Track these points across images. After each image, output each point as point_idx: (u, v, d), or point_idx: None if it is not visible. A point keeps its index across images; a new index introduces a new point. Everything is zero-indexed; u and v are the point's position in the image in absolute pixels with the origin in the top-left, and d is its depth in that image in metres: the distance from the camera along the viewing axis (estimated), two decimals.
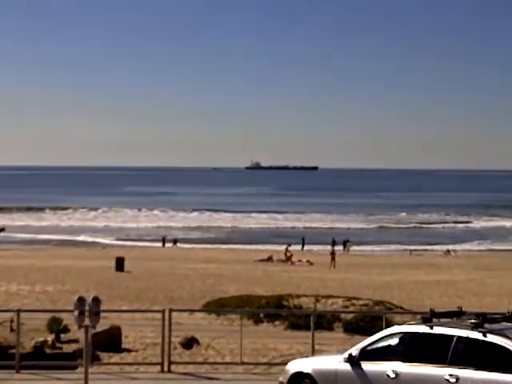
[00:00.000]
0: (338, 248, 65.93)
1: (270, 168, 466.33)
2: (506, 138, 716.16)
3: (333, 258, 53.69)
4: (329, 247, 64.06)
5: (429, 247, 77.95)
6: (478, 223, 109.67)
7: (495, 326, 11.17)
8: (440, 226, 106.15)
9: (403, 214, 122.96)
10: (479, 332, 10.82)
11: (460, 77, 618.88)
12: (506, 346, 10.52)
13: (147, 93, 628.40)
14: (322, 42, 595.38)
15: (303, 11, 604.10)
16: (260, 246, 76.98)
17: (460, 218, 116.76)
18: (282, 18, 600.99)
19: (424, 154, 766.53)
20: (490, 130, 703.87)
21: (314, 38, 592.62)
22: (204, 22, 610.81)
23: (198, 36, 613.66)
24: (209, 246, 79.23)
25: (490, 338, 10.71)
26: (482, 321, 11.11)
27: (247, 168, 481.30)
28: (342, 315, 23.44)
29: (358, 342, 12.52)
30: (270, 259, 58.71)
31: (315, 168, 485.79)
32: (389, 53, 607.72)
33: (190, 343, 19.25)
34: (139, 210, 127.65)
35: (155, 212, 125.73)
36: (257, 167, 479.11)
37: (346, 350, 12.36)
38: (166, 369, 16.75)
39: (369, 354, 11.92)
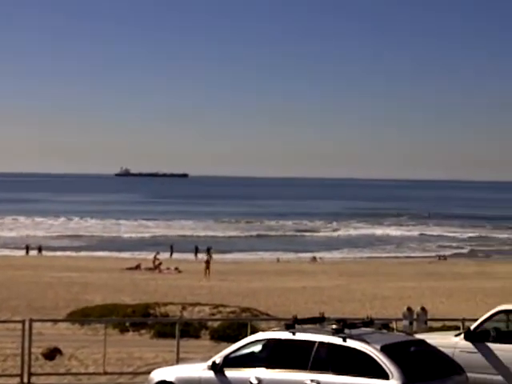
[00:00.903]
0: (202, 256, 66.39)
1: (140, 175, 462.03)
2: (388, 146, 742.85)
3: (207, 267, 53.48)
4: (193, 255, 63.93)
5: (297, 254, 79.28)
6: (347, 231, 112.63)
7: (355, 332, 11.43)
8: (309, 233, 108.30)
9: (274, 221, 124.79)
10: (339, 337, 11.04)
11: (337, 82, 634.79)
12: (365, 351, 10.78)
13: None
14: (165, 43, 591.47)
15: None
16: (129, 254, 76.02)
17: (329, 226, 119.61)
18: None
19: (297, 163, 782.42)
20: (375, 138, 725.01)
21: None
22: None
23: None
24: (75, 253, 77.48)
25: (350, 343, 10.94)
26: (343, 326, 11.34)
27: (117, 175, 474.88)
28: (209, 323, 23.45)
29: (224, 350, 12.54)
30: (137, 267, 58.07)
31: (185, 175, 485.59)
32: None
33: (52, 354, 18.73)
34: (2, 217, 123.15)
35: (20, 219, 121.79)
36: (126, 174, 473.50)
37: (211, 357, 12.33)
38: (25, 380, 16.23)
39: (233, 362, 11.93)
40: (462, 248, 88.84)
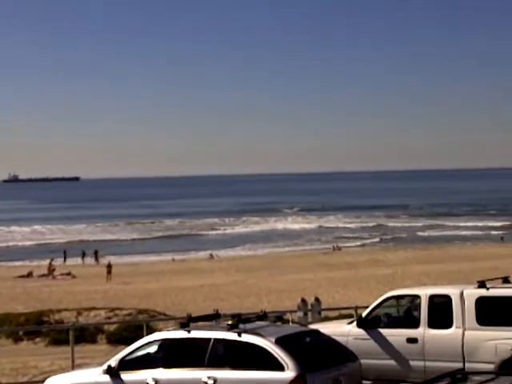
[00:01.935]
0: (90, 260, 65.91)
1: (30, 180, 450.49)
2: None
3: (109, 272, 52.43)
4: (90, 260, 62.87)
5: (195, 253, 79.07)
6: (245, 227, 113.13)
7: (249, 326, 11.51)
8: (208, 232, 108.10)
9: (171, 221, 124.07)
10: (234, 332, 11.09)
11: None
12: (260, 344, 10.86)
13: None
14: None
15: None
16: (21, 263, 73.84)
17: (228, 223, 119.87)
18: None
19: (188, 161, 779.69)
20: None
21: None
22: None
23: None
24: None
25: (245, 337, 11.01)
26: (237, 321, 11.40)
27: (5, 181, 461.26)
28: (106, 327, 23.11)
29: None
30: (29, 275, 56.56)
31: (77, 179, 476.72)
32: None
33: None
34: None
35: None
36: (15, 180, 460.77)
37: (108, 361, 12.15)
38: None
39: (129, 364, 11.79)
40: (358, 238, 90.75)
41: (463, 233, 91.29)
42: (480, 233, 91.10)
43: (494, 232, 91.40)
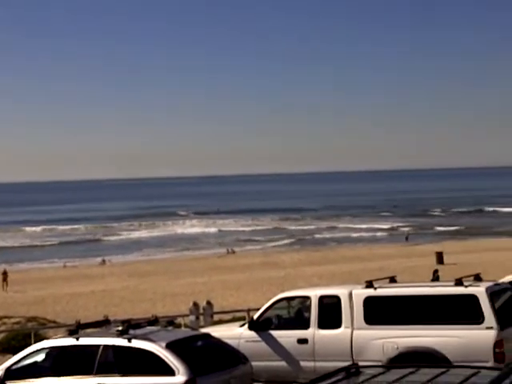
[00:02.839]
0: None
1: None
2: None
3: (4, 279, 50.64)
4: None
5: (86, 259, 77.47)
6: (141, 231, 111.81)
7: (140, 331, 11.42)
8: (101, 237, 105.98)
9: (64, 226, 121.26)
10: (124, 338, 10.97)
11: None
12: (150, 349, 10.79)
13: None
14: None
15: None
16: None
17: (123, 227, 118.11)
18: None
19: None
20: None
21: None
22: None
23: None
24: None
25: (135, 343, 10.92)
26: (127, 327, 11.28)
27: None
28: None
29: None
30: None
31: None
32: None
33: None
34: None
35: None
36: None
37: None
38: None
39: (15, 374, 11.48)
40: (254, 241, 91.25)
41: (357, 234, 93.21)
42: (371, 234, 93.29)
43: (380, 233, 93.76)
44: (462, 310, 12.51)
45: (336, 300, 13.43)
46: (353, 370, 6.95)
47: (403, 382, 6.30)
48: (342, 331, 13.24)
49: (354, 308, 13.20)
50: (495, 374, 6.35)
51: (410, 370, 6.75)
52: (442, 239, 79.79)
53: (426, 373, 6.54)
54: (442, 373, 6.54)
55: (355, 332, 13.13)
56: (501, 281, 14.57)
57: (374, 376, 6.63)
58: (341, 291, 13.57)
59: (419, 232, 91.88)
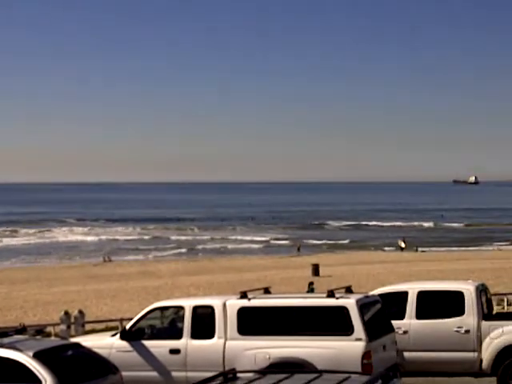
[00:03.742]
0: None
1: None
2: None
3: None
4: None
5: None
6: (19, 238, 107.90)
7: (7, 340, 11.13)
8: None
9: None
10: None
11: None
12: (17, 359, 10.49)
13: None
14: None
15: None
16: None
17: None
18: None
19: None
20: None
21: None
22: None
23: None
24: None
25: (1, 352, 10.63)
26: None
27: None
28: None
29: None
30: None
31: None
32: None
33: None
34: None
35: None
36: None
37: None
38: None
39: None
40: (133, 250, 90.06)
41: (237, 245, 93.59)
42: (250, 245, 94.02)
43: (259, 245, 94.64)
44: (333, 322, 12.79)
45: (210, 310, 13.45)
46: (230, 376, 7.12)
47: None
48: (215, 342, 13.27)
49: (228, 318, 13.26)
50: (365, 378, 6.65)
51: (285, 375, 6.98)
52: (319, 251, 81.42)
53: (301, 378, 6.79)
54: (316, 378, 6.80)
55: (228, 342, 13.18)
56: (371, 293, 14.97)
57: (251, 381, 6.83)
58: (215, 302, 13.60)
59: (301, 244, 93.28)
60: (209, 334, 13.34)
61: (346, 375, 6.90)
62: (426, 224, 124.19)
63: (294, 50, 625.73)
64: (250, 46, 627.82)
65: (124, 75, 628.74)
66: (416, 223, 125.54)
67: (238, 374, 7.23)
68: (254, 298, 13.46)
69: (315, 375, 6.93)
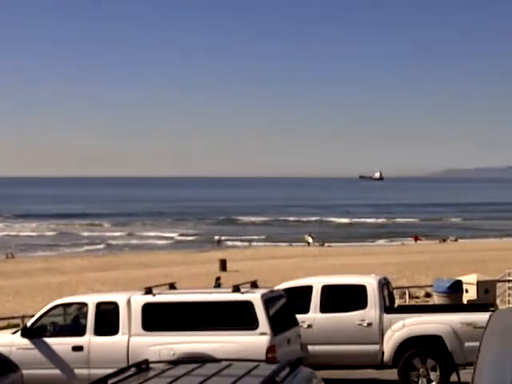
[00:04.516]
0: None
1: None
2: None
3: None
4: None
5: None
6: None
7: None
8: None
9: None
10: None
11: None
12: None
13: None
14: None
15: None
16: None
17: None
18: None
19: None
20: None
21: None
22: None
23: None
24: None
25: None
26: None
27: None
28: None
29: None
30: None
31: None
32: None
33: None
34: None
35: None
36: None
37: None
38: None
39: None
40: (39, 246, 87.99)
41: (145, 241, 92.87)
42: (158, 241, 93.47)
43: (166, 241, 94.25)
44: (239, 316, 12.82)
45: (114, 306, 13.29)
46: (143, 366, 7.28)
47: (192, 375, 6.67)
48: (119, 338, 13.12)
49: (132, 314, 13.12)
50: (274, 366, 6.87)
51: (197, 365, 7.17)
52: (227, 246, 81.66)
53: (212, 367, 6.99)
54: (227, 366, 7.00)
55: (132, 339, 13.05)
56: (277, 288, 15.07)
57: (164, 371, 7.00)
58: (119, 297, 13.43)
59: (205, 240, 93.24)
60: (113, 330, 13.18)
61: (256, 364, 7.11)
62: (332, 219, 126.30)
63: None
64: None
65: None
66: (323, 218, 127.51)
67: (151, 365, 7.37)
68: (159, 293, 13.36)
69: (226, 364, 7.13)
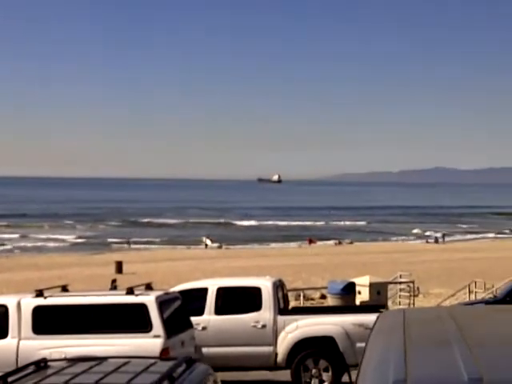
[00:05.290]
0: None
1: None
2: None
3: None
4: None
5: None
6: None
7: None
8: None
9: None
10: None
11: None
12: None
13: None
14: None
15: None
16: None
17: None
18: None
19: None
20: None
21: None
22: None
23: None
24: None
25: None
26: None
27: None
28: None
29: None
30: None
31: None
32: None
33: None
34: None
35: None
36: None
37: None
38: None
39: None
40: None
41: (41, 243, 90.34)
42: (55, 243, 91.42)
43: (63, 243, 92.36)
44: (132, 319, 12.72)
45: (4, 309, 12.94)
46: (42, 364, 7.27)
47: (91, 373, 6.69)
48: (8, 342, 12.79)
49: (22, 318, 12.81)
50: (171, 363, 7.00)
51: (96, 362, 7.23)
52: (124, 249, 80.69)
53: (111, 363, 7.09)
54: (126, 363, 7.06)
55: (22, 342, 12.74)
56: (172, 290, 15.00)
57: (63, 368, 7.01)
58: (8, 300, 13.10)
59: (101, 242, 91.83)
60: (2, 333, 12.84)
61: (154, 361, 7.21)
62: (231, 221, 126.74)
63: None
64: None
65: None
66: (221, 220, 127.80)
67: (49, 363, 7.35)
68: (50, 296, 13.08)
69: (125, 361, 7.16)
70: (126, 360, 7.24)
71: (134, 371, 6.62)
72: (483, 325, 4.94)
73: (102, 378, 6.38)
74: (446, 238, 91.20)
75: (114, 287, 31.00)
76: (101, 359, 7.38)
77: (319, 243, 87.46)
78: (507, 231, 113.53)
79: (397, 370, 3.71)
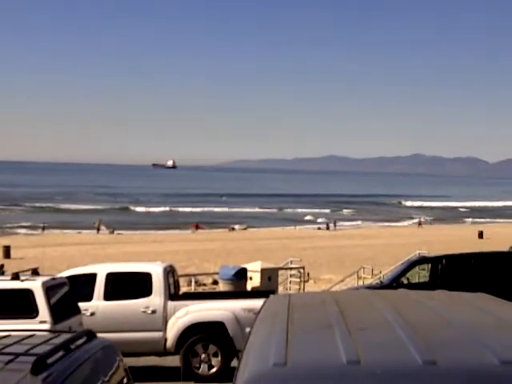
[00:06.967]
0: None
1: None
2: None
3: None
4: None
5: None
6: None
7: None
8: None
9: None
10: None
11: None
12: None
13: None
14: None
15: None
16: None
17: None
18: None
19: None
20: None
21: None
22: None
23: None
24: None
25: None
26: None
27: None
28: None
29: None
30: None
31: None
32: None
33: None
34: None
35: None
36: None
37: None
38: None
39: None
40: None
41: None
42: None
43: None
44: (18, 305, 12.44)
45: None
46: None
47: None
48: None
49: None
50: (71, 335, 6.81)
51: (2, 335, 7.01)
52: (12, 233, 78.54)
53: (13, 339, 6.72)
54: (29, 336, 6.81)
55: None
56: (60, 275, 14.71)
57: None
58: None
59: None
60: None
61: (57, 334, 7.09)
62: (124, 206, 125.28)
63: None
64: None
65: None
66: (113, 206, 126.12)
67: None
68: None
69: (28, 334, 6.93)
70: (30, 333, 7.02)
71: (34, 343, 6.46)
72: (365, 309, 5.04)
73: (2, 349, 6.19)
74: (337, 225, 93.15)
75: (1, 273, 30.12)
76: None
77: (214, 230, 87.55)
78: (397, 218, 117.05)
79: (277, 354, 3.74)
